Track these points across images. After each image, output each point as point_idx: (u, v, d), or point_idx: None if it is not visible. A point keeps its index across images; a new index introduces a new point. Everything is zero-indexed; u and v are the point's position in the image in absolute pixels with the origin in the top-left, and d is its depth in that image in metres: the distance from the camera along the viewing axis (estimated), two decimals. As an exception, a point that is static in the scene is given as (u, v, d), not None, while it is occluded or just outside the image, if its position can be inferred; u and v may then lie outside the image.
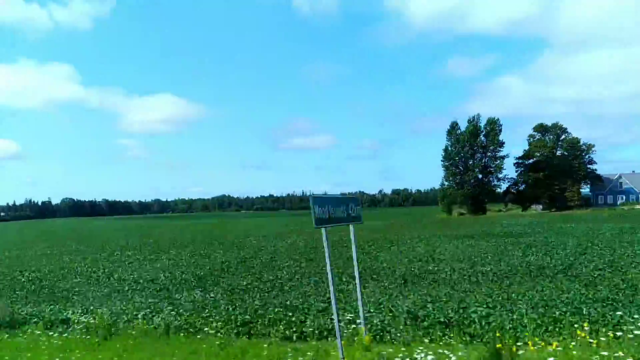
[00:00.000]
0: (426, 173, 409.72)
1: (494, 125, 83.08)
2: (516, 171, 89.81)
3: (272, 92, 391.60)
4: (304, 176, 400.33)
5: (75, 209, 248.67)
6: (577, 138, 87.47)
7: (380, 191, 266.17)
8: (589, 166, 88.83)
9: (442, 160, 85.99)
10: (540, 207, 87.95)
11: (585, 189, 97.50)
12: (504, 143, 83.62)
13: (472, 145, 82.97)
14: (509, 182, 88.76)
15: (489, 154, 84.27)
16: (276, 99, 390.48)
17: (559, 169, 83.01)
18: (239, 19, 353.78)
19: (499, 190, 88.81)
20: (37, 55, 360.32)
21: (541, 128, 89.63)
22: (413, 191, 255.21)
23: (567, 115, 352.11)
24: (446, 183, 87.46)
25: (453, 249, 22.54)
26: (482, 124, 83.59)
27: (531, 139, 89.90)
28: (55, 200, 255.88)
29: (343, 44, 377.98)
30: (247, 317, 9.25)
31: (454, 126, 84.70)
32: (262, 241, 33.32)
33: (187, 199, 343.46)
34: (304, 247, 26.82)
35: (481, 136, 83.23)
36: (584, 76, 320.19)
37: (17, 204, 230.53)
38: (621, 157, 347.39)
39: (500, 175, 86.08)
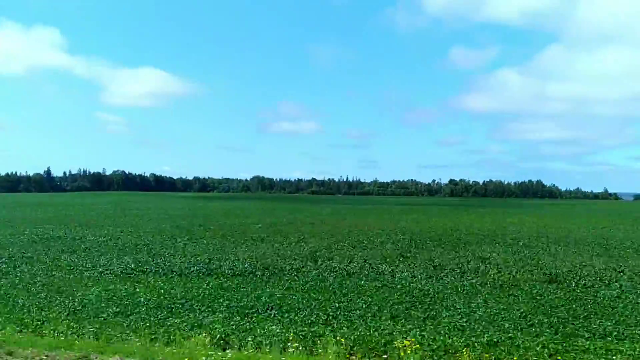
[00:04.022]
0: (410, 165, 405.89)
1: None
2: None
3: (266, 73, 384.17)
4: (288, 162, 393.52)
5: (126, 182, 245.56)
6: None
7: (434, 180, 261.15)
8: None
9: None
10: None
11: None
12: None
13: None
14: None
15: None
16: (269, 80, 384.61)
17: None
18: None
19: None
20: (22, 18, 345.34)
21: None
22: (471, 182, 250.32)
23: (563, 114, 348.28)
24: None
25: None
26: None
27: None
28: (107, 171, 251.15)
29: (351, 27, 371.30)
30: None
31: None
32: None
33: (221, 178, 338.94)
34: None
35: None
36: (586, 74, 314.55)
37: (73, 173, 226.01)
38: (604, 159, 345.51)
39: None
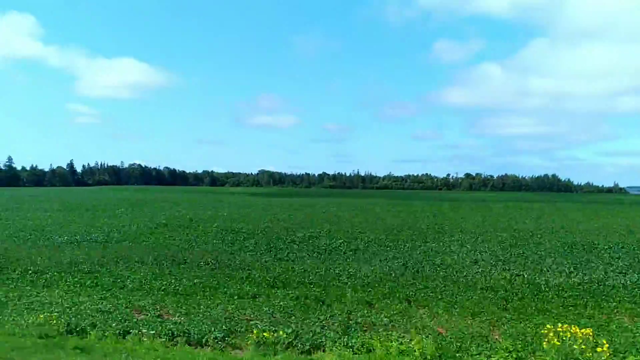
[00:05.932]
0: (385, 160, 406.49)
1: None
2: None
3: (246, 65, 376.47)
4: (263, 155, 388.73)
5: (143, 175, 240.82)
6: None
7: (449, 174, 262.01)
8: None
9: None
10: None
11: None
12: None
13: None
14: None
15: None
16: (249, 73, 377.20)
17: None
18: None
19: None
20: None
21: None
22: (485, 176, 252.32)
23: (541, 109, 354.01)
24: None
25: None
26: None
27: None
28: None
29: (338, 19, 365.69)
30: None
31: None
32: None
33: (231, 172, 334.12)
34: None
35: None
36: (567, 70, 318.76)
37: (91, 166, 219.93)
38: (576, 154, 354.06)
39: None
